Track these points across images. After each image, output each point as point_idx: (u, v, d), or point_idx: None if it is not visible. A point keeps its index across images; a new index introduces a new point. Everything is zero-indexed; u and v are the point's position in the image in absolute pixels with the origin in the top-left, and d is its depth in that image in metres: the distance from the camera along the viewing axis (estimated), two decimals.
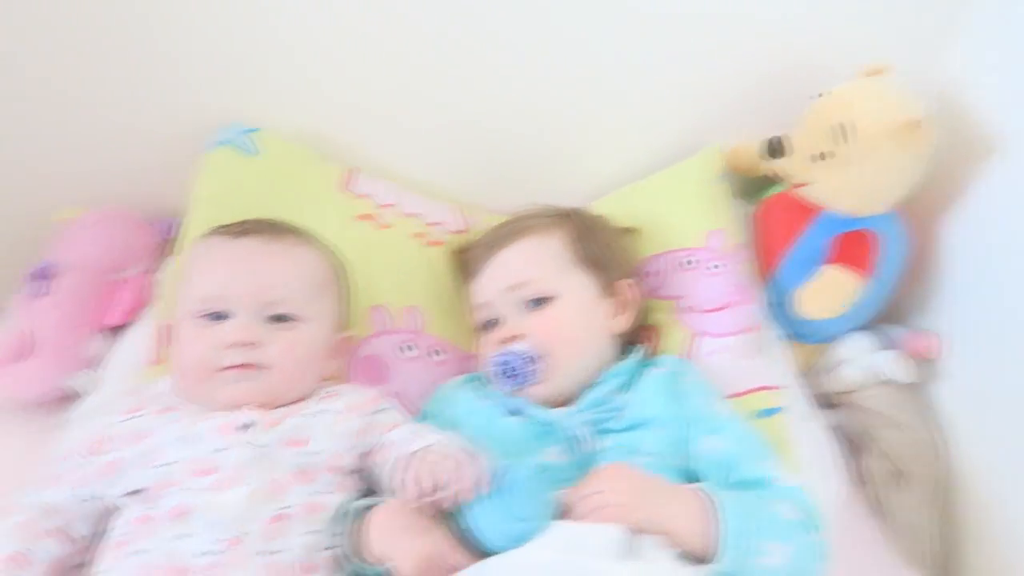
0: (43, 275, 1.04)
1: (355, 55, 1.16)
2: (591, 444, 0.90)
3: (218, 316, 0.87)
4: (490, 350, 0.98)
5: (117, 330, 1.07)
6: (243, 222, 0.95)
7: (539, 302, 0.98)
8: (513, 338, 0.96)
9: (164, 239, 1.17)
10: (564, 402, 0.95)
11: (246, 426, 0.82)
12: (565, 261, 1.02)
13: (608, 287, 1.03)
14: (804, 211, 1.12)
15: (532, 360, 0.94)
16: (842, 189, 1.08)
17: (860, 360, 1.14)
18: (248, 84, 1.17)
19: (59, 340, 1.00)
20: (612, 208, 1.22)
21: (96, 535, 0.83)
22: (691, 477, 0.89)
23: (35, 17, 1.10)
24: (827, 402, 1.17)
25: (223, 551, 0.74)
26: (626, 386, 0.96)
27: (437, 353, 1.04)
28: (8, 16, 1.08)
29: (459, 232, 1.19)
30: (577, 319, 0.99)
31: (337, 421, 0.86)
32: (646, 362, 1.00)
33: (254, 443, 0.80)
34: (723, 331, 1.06)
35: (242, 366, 0.85)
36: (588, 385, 0.96)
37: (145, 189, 1.20)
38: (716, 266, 1.10)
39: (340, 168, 1.19)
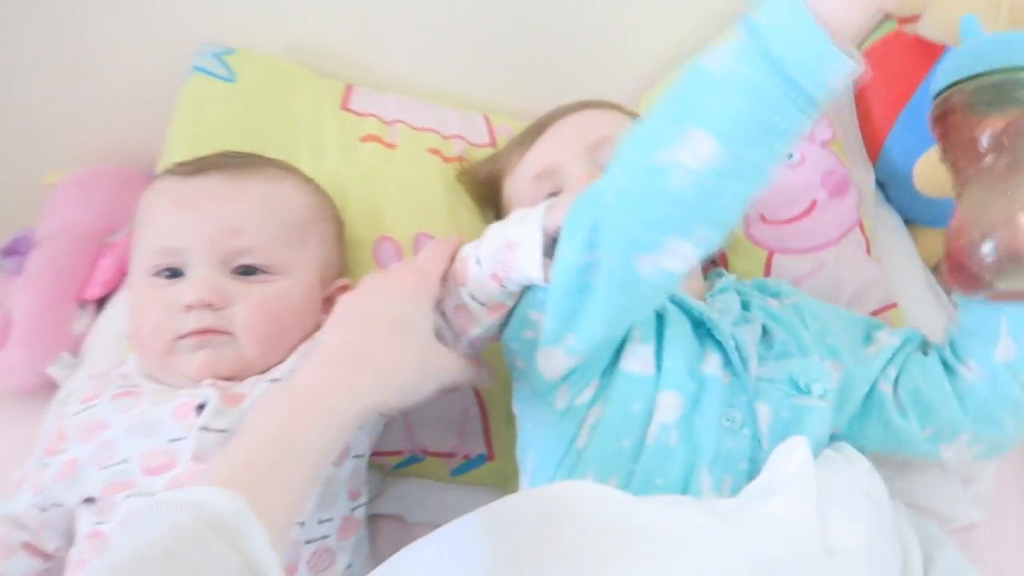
0: (13, 251, 0.92)
1: None
2: (755, 362, 0.68)
3: (174, 272, 0.71)
4: None
5: (103, 303, 0.94)
6: (201, 158, 0.78)
7: None
8: None
9: None
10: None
11: (202, 407, 0.66)
12: None
13: None
14: (921, 54, 0.84)
15: None
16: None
17: None
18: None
19: (34, 322, 0.88)
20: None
21: (71, 547, 0.70)
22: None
23: None
24: None
25: None
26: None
27: None
28: None
29: (485, 145, 0.99)
30: None
31: None
32: (740, 284, 0.80)
33: (212, 427, 0.65)
34: (809, 245, 0.84)
35: (202, 332, 0.69)
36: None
37: (134, 139, 1.07)
38: (790, 155, 0.87)
39: (336, 84, 1.01)
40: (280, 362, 0.71)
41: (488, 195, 0.91)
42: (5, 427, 0.87)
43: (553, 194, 0.79)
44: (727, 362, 0.67)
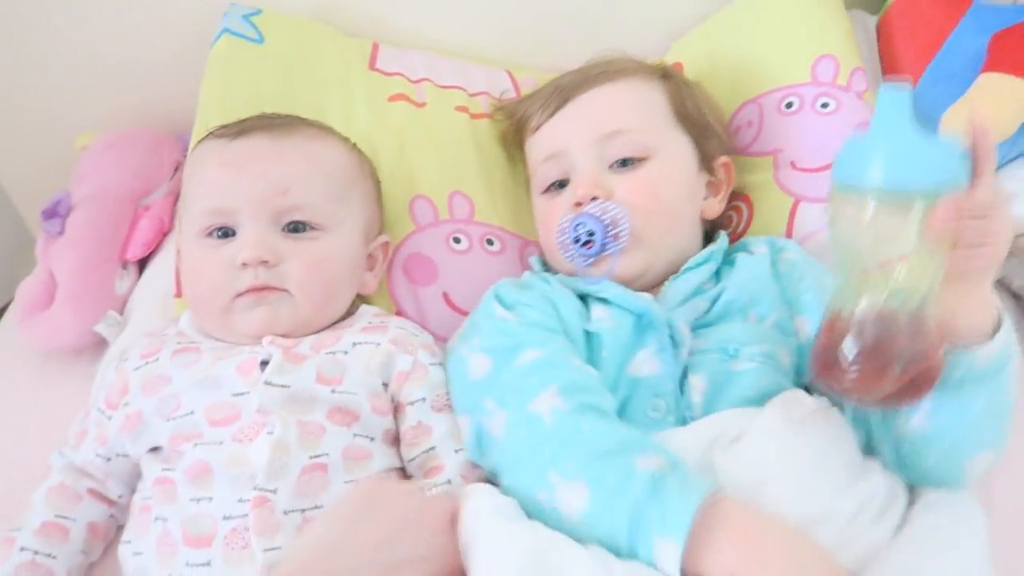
0: (54, 213, 0.93)
1: None
2: (688, 345, 0.71)
3: (225, 232, 0.73)
4: (560, 214, 0.79)
5: (144, 263, 0.96)
6: (244, 120, 0.80)
7: (630, 162, 0.79)
8: (593, 198, 0.77)
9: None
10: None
11: (266, 363, 0.69)
12: (667, 116, 0.83)
13: (707, 161, 0.84)
14: (948, 4, 0.85)
15: (615, 223, 0.74)
16: None
17: None
18: None
19: (78, 282, 0.89)
20: (691, 51, 1.02)
21: (133, 494, 0.74)
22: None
23: None
24: None
25: (246, 514, 0.63)
26: (715, 276, 0.78)
27: (490, 242, 0.88)
28: None
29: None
30: (675, 188, 0.80)
31: (374, 354, 0.72)
32: (736, 247, 0.82)
33: (276, 383, 0.68)
34: None
35: (258, 289, 0.72)
36: (669, 276, 0.78)
37: (163, 101, 1.07)
38: (826, 104, 0.89)
39: (363, 43, 1.01)
40: (334, 323, 0.75)
41: (518, 140, 0.92)
42: (56, 383, 0.89)
43: (560, 182, 0.82)
44: (661, 348, 0.71)
